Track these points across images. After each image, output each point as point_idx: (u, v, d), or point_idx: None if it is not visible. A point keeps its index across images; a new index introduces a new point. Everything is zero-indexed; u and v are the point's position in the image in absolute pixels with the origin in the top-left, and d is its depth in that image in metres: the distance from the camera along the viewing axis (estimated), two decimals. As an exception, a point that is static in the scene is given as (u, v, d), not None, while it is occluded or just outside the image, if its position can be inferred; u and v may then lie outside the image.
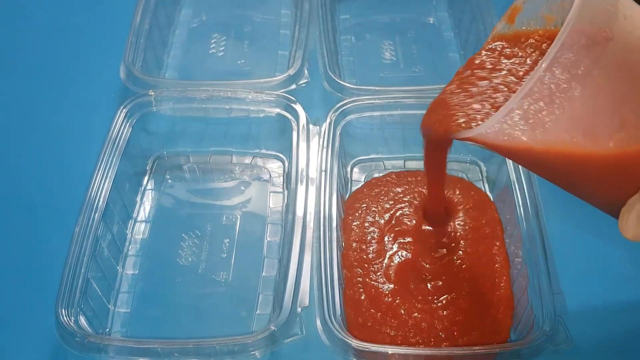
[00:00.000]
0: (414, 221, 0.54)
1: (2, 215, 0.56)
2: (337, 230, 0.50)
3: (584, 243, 0.53)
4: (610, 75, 0.31)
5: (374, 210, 0.55)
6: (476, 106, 0.38)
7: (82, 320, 0.45)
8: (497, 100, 0.38)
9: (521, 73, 0.39)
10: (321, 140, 0.54)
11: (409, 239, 0.52)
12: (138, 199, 0.57)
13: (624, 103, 0.32)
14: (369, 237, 0.53)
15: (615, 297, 0.50)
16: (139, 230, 0.55)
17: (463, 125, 0.37)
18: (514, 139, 0.33)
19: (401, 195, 0.56)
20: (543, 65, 0.30)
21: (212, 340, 0.43)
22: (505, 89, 0.38)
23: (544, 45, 0.40)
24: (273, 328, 0.43)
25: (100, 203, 0.50)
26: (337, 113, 0.56)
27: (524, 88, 0.31)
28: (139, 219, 0.56)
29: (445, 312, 0.48)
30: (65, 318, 0.44)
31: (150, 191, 0.58)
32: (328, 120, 0.55)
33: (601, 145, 0.33)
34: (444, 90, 0.41)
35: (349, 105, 0.56)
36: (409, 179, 0.57)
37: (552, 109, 0.31)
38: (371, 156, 0.60)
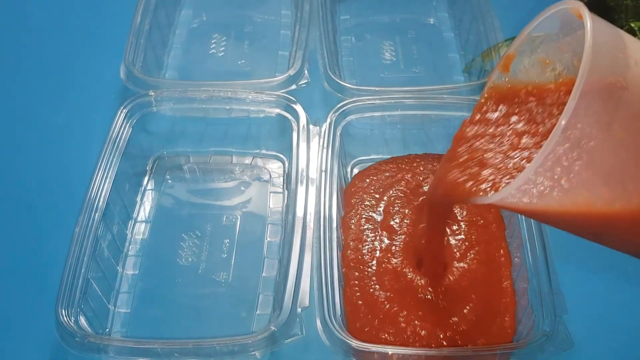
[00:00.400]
0: (408, 211, 0.54)
1: (2, 215, 0.56)
2: (337, 230, 0.50)
3: (584, 243, 0.53)
4: (630, 126, 0.30)
5: (367, 205, 0.55)
6: (490, 170, 0.36)
7: (82, 320, 0.45)
8: (512, 159, 0.36)
9: (534, 127, 0.37)
10: (321, 140, 0.54)
11: (404, 238, 0.52)
12: (138, 199, 0.57)
13: None
14: (364, 236, 0.53)
15: (615, 298, 0.50)
16: (139, 230, 0.55)
17: (481, 191, 0.35)
18: (534, 204, 0.31)
19: (391, 180, 0.56)
20: (562, 122, 0.28)
21: (212, 341, 0.43)
22: (518, 144, 0.36)
23: (548, 100, 0.37)
24: (273, 328, 0.43)
25: (101, 203, 0.50)
26: (337, 113, 0.56)
27: (543, 152, 0.29)
28: (139, 219, 0.56)
29: (448, 320, 0.47)
30: (65, 318, 0.44)
31: (151, 191, 0.58)
32: (328, 121, 0.55)
33: (629, 199, 0.32)
34: (452, 151, 0.40)
35: (349, 106, 0.56)
36: (395, 164, 0.58)
37: (572, 168, 0.30)
38: (371, 157, 0.60)
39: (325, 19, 0.65)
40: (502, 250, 0.51)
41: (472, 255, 0.51)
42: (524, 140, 0.36)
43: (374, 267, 0.50)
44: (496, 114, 0.39)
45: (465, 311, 0.48)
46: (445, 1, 0.74)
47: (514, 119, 0.38)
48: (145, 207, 0.57)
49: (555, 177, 0.30)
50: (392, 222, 0.53)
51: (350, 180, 0.58)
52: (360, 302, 0.49)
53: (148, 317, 0.50)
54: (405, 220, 0.53)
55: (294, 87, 0.59)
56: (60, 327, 0.44)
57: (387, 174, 0.57)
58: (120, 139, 0.54)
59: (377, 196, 0.55)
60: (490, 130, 0.38)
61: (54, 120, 0.63)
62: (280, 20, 0.72)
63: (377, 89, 0.57)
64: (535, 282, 0.46)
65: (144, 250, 0.54)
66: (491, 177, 0.35)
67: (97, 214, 0.49)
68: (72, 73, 0.68)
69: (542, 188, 0.30)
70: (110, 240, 0.52)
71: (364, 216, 0.54)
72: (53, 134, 0.62)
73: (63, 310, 0.44)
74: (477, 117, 0.39)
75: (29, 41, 0.71)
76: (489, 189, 0.35)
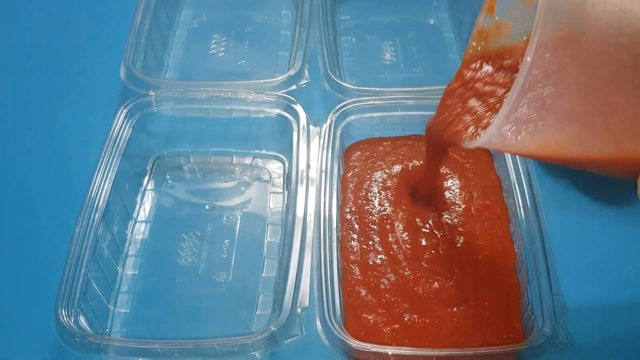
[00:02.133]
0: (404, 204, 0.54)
1: (2, 215, 0.56)
2: (337, 230, 0.50)
3: (584, 244, 0.53)
4: (588, 68, 0.32)
5: (363, 196, 0.55)
6: (479, 112, 0.39)
7: (82, 320, 0.45)
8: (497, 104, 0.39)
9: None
10: (321, 141, 0.54)
11: (404, 226, 0.53)
12: (138, 199, 0.57)
13: (611, 90, 0.33)
14: (362, 229, 0.53)
15: (615, 299, 0.50)
16: (139, 230, 0.55)
17: (468, 136, 0.38)
18: (518, 143, 0.33)
19: (381, 163, 0.57)
20: (521, 79, 0.31)
21: (212, 341, 0.43)
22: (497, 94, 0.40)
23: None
24: (273, 329, 0.43)
25: (101, 203, 0.50)
26: (337, 114, 0.56)
27: (511, 96, 0.31)
28: (139, 219, 0.56)
29: (452, 319, 0.47)
30: (65, 318, 0.44)
31: (151, 191, 0.58)
32: (328, 121, 0.55)
33: (600, 133, 0.33)
34: (445, 93, 0.42)
35: (349, 106, 0.56)
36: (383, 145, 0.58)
37: (541, 110, 0.32)
38: (371, 157, 0.60)
39: (325, 19, 0.65)
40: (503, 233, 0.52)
41: (474, 237, 0.51)
42: (501, 90, 0.40)
43: (375, 261, 0.51)
44: (478, 73, 0.42)
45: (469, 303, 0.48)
46: (445, 2, 0.74)
47: (494, 74, 0.42)
48: (145, 207, 0.57)
49: (528, 118, 0.32)
50: (389, 212, 0.53)
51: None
52: (360, 298, 0.48)
53: (148, 317, 0.50)
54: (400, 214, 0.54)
55: (294, 87, 0.59)
56: (60, 327, 0.44)
57: (375, 154, 0.57)
58: (121, 139, 0.54)
59: (374, 180, 0.56)
60: (476, 85, 0.41)
61: (54, 120, 0.63)
62: (280, 20, 0.72)
63: (377, 89, 0.57)
64: (535, 282, 0.46)
65: (144, 251, 0.54)
66: (481, 123, 0.39)
67: (97, 214, 0.50)
68: (72, 73, 0.68)
69: (518, 128, 0.33)
70: (110, 240, 0.52)
71: (360, 206, 0.54)
72: (53, 134, 0.62)
73: (63, 310, 0.44)
74: (465, 72, 0.43)
75: (29, 41, 0.71)
76: (475, 134, 0.38)
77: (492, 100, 0.40)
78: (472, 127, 0.39)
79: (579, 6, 0.32)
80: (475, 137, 0.38)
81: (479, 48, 0.43)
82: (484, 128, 0.38)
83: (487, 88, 0.41)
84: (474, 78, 0.42)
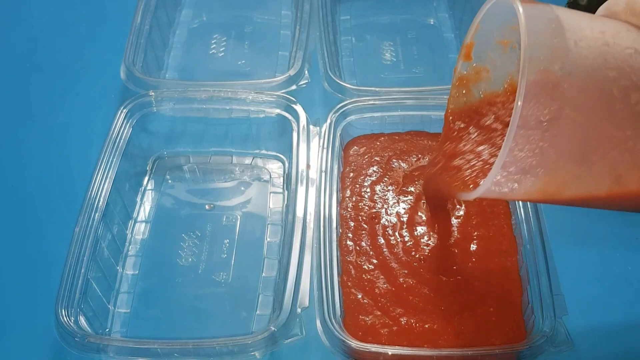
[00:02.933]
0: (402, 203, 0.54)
1: (2, 215, 0.56)
2: (337, 230, 0.50)
3: (584, 245, 0.53)
4: (579, 107, 0.32)
5: (358, 192, 0.55)
6: (472, 163, 0.39)
7: (82, 320, 0.45)
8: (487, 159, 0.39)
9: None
10: (321, 141, 0.54)
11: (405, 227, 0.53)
12: (138, 199, 0.57)
13: (606, 125, 0.32)
14: (361, 230, 0.52)
15: (615, 299, 0.50)
16: (139, 230, 0.55)
17: (462, 188, 0.38)
18: (515, 191, 0.33)
19: (377, 159, 0.57)
20: (514, 125, 0.30)
21: (211, 341, 0.43)
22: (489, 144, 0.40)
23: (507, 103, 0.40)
24: (273, 329, 0.43)
25: (101, 203, 0.50)
26: (337, 114, 0.56)
27: (504, 150, 0.31)
28: (139, 219, 0.56)
29: (454, 323, 0.47)
30: (65, 318, 0.44)
31: (151, 191, 0.58)
32: (328, 121, 0.55)
33: (600, 170, 0.33)
34: (439, 151, 0.43)
35: (349, 106, 0.56)
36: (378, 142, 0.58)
37: (538, 155, 0.32)
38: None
39: (325, 19, 0.65)
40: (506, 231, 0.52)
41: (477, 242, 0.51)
42: (493, 140, 0.39)
43: (374, 260, 0.51)
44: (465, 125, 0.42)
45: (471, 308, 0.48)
46: (445, 2, 0.74)
47: (482, 122, 0.41)
48: (145, 207, 0.57)
49: (524, 165, 0.32)
50: (387, 211, 0.53)
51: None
52: (359, 297, 0.48)
53: (148, 317, 0.50)
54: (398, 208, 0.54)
55: (294, 87, 0.59)
56: (60, 327, 0.44)
57: (372, 150, 0.57)
58: (121, 139, 0.54)
59: (372, 180, 0.56)
60: (468, 135, 0.41)
61: (54, 120, 0.63)
62: (280, 20, 0.72)
63: (377, 89, 0.57)
64: (535, 283, 0.46)
65: (143, 250, 0.54)
66: (472, 175, 0.38)
67: (97, 214, 0.50)
68: (72, 73, 0.68)
69: (515, 176, 0.33)
70: (110, 240, 0.52)
71: (359, 205, 0.54)
72: (53, 134, 0.62)
73: (63, 310, 0.44)
74: (453, 126, 0.43)
75: (29, 41, 0.71)
76: (471, 186, 0.38)
77: (486, 149, 0.40)
78: (470, 178, 0.39)
79: (561, 46, 0.32)
80: (472, 188, 0.37)
81: (460, 97, 0.43)
82: (483, 177, 0.38)
83: (480, 138, 0.41)
84: (462, 130, 0.42)
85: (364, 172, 0.56)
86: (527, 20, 0.31)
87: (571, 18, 0.33)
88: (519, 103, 0.30)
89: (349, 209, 0.53)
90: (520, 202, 0.50)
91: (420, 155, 0.57)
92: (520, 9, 0.32)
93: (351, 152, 0.58)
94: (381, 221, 0.53)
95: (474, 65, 0.42)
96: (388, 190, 0.55)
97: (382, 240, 0.51)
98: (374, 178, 0.56)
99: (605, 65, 0.32)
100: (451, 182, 0.40)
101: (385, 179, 0.56)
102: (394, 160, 0.57)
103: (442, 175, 0.42)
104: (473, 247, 0.51)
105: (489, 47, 0.41)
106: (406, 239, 0.51)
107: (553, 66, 0.31)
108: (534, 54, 0.31)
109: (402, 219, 0.53)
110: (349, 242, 0.52)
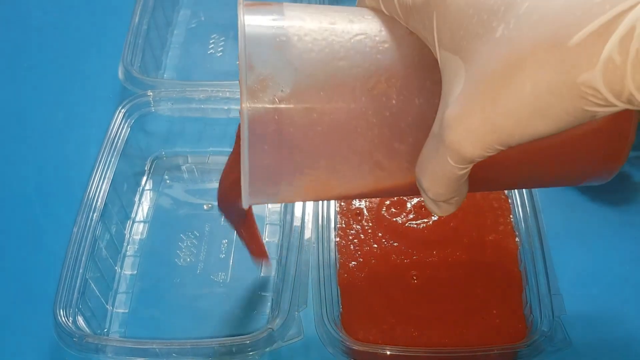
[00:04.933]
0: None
1: (0, 215, 0.56)
2: (335, 230, 0.50)
3: (583, 244, 0.53)
4: (312, 103, 0.30)
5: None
6: None
7: (80, 320, 0.45)
8: None
9: None
10: (320, 140, 0.54)
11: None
12: (136, 199, 0.57)
13: (348, 118, 0.30)
14: (361, 230, 0.52)
15: (613, 298, 0.50)
16: (137, 230, 0.55)
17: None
18: (282, 194, 0.32)
19: None
20: (245, 151, 0.29)
21: (210, 341, 0.43)
22: None
23: None
24: (271, 329, 0.43)
25: (99, 203, 0.50)
26: (335, 114, 0.55)
27: (244, 168, 0.30)
28: (137, 219, 0.56)
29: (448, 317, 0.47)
30: (63, 318, 0.44)
31: (149, 191, 0.58)
32: (327, 121, 0.55)
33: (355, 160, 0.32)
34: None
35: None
36: None
37: (287, 159, 0.31)
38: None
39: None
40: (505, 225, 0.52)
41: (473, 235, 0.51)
42: None
43: (374, 259, 0.50)
44: None
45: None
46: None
47: None
48: (143, 207, 0.57)
49: (277, 170, 0.31)
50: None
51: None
52: (358, 297, 0.48)
53: (146, 317, 0.50)
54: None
55: (292, 87, 0.58)
56: (58, 327, 0.44)
57: None
58: (119, 139, 0.54)
59: None
60: None
61: (51, 120, 0.63)
62: (278, 20, 0.72)
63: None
64: (533, 282, 0.46)
65: (142, 251, 0.54)
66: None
67: (95, 214, 0.49)
68: (70, 73, 0.67)
69: (273, 182, 0.31)
70: (109, 241, 0.52)
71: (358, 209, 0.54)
72: (51, 134, 0.62)
73: (61, 311, 0.44)
74: None
75: (27, 41, 0.71)
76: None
77: None
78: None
79: (283, 45, 0.30)
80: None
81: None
82: None
83: None
84: None
85: None
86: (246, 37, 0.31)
87: (296, 14, 0.32)
88: (244, 119, 0.30)
89: (348, 209, 0.53)
90: (519, 202, 0.50)
91: None
92: (242, 35, 0.31)
93: None
94: (381, 221, 0.53)
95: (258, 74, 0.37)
96: None
97: (382, 240, 0.51)
98: None
99: (334, 56, 0.30)
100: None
101: None
102: None
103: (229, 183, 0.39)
104: (473, 247, 0.51)
105: (269, 52, 0.36)
106: (402, 235, 0.51)
107: (276, 67, 0.30)
108: (251, 56, 0.31)
109: (402, 218, 0.53)
110: (347, 242, 0.52)
